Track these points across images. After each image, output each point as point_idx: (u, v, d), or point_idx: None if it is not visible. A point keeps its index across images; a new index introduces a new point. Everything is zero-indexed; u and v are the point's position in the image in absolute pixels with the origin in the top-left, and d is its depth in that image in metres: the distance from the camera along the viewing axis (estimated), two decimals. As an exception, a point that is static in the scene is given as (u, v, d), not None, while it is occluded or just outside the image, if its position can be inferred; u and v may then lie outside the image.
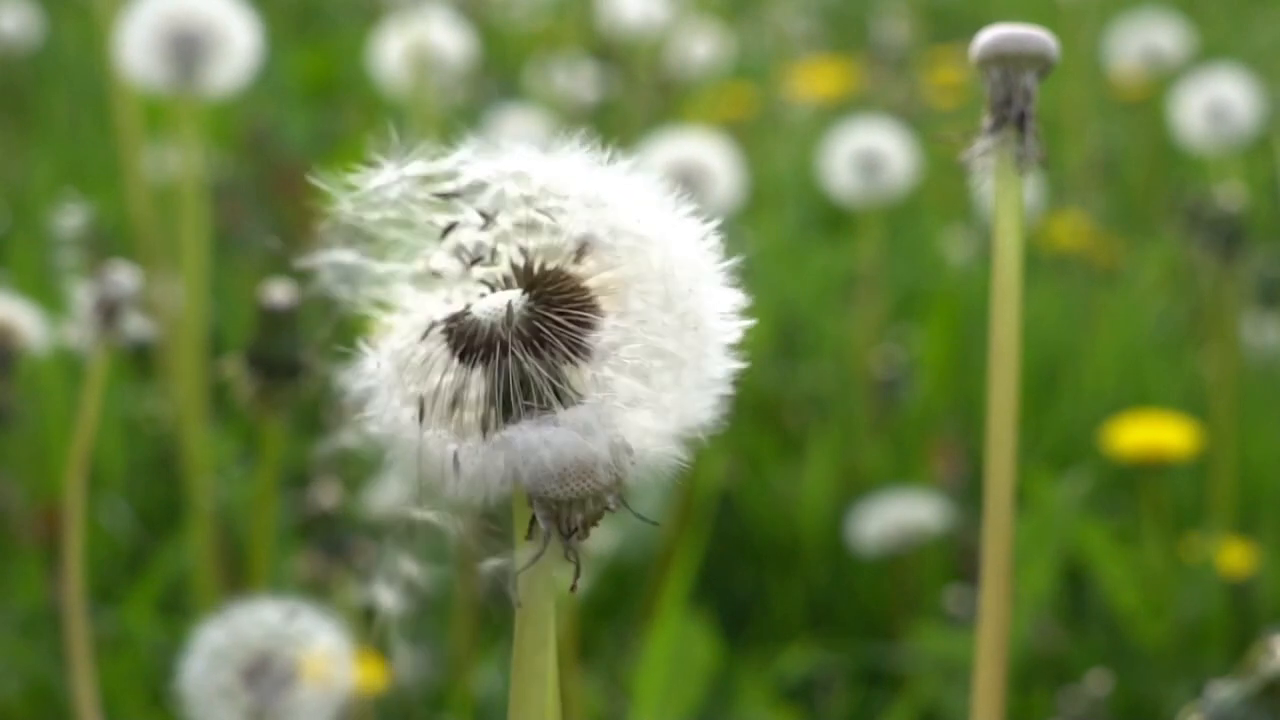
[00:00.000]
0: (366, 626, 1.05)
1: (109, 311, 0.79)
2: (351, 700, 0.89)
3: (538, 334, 0.41)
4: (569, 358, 0.41)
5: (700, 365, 0.41)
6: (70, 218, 1.53)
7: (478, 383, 0.41)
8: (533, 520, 0.41)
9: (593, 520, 0.41)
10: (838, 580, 1.41)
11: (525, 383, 0.40)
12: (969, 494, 1.42)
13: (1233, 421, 1.40)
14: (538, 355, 0.40)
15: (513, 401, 0.40)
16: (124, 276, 0.80)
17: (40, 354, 1.02)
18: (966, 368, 1.58)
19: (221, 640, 0.85)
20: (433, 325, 0.42)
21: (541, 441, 0.40)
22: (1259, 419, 1.47)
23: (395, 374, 0.42)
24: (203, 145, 1.88)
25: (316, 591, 0.99)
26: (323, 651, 0.85)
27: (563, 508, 0.40)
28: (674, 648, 1.11)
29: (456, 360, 0.41)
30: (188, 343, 1.27)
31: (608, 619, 1.33)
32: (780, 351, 1.65)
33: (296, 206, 1.88)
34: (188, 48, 1.23)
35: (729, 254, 0.42)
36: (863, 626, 1.37)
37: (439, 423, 0.41)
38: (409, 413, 0.41)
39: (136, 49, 1.24)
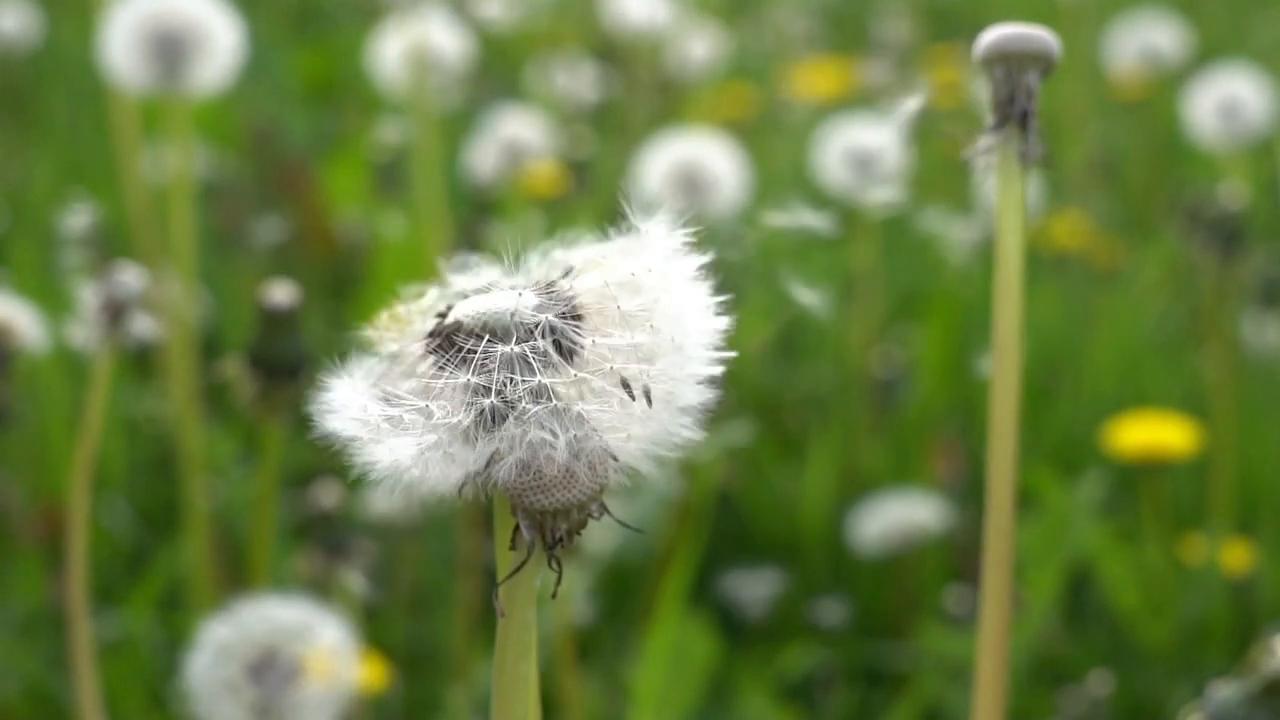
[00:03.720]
0: (367, 625, 1.05)
1: (115, 312, 0.79)
2: (353, 699, 0.89)
3: (522, 340, 0.40)
4: (553, 365, 0.40)
5: (683, 381, 0.41)
6: (77, 217, 1.53)
7: (458, 386, 0.40)
8: (516, 529, 0.40)
9: (576, 529, 0.40)
10: (838, 580, 1.41)
11: (507, 387, 0.40)
12: (969, 494, 1.42)
13: (1233, 421, 1.40)
14: (522, 360, 0.40)
15: (493, 406, 0.40)
16: (130, 277, 0.80)
17: (40, 354, 1.02)
18: (966, 368, 1.58)
19: (227, 636, 0.85)
20: (418, 328, 0.42)
21: (517, 444, 0.39)
22: (1259, 419, 1.47)
23: (376, 377, 0.42)
24: (200, 145, 1.89)
25: (316, 591, 0.99)
26: (327, 647, 0.85)
27: (546, 517, 0.40)
28: (673, 647, 1.11)
29: (437, 363, 0.41)
30: (184, 343, 1.27)
31: (608, 619, 1.33)
32: (780, 351, 1.65)
33: (298, 206, 1.88)
34: (171, 48, 1.23)
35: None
36: (863, 626, 1.37)
37: (416, 425, 0.41)
38: (384, 414, 0.41)
39: (119, 50, 1.24)
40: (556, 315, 0.41)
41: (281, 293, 0.90)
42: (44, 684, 1.17)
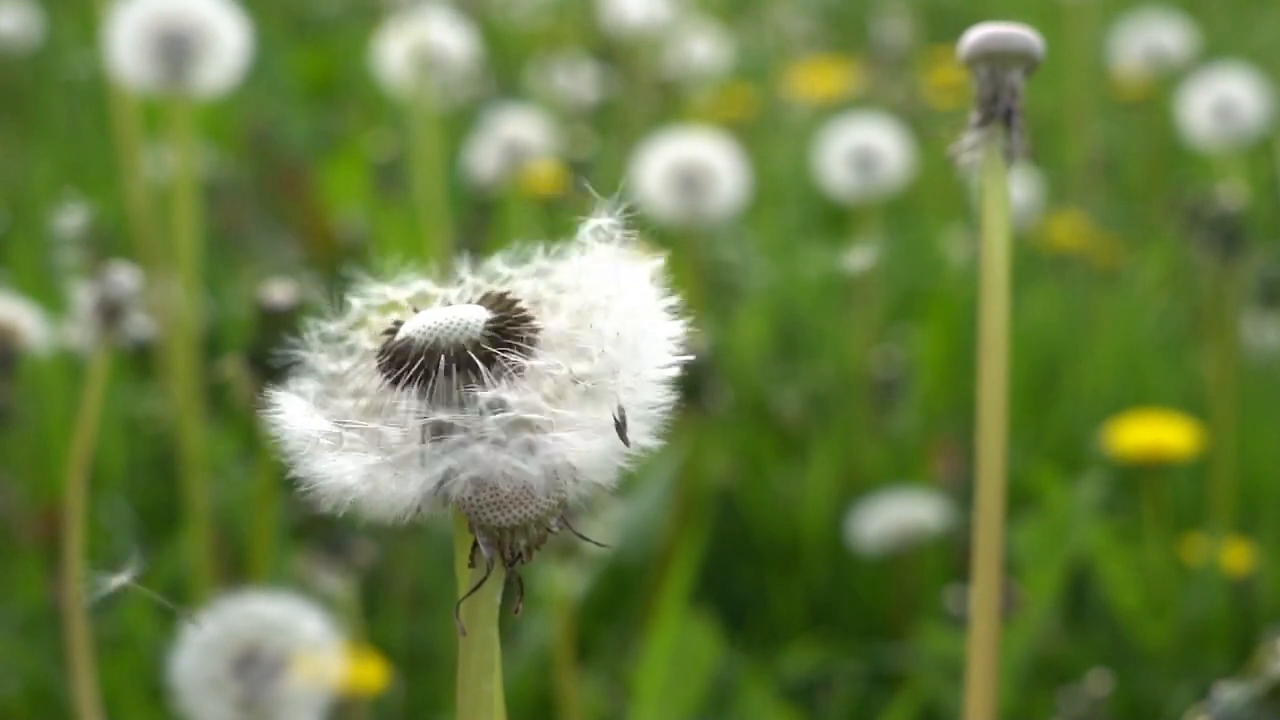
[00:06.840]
0: (367, 625, 1.05)
1: (110, 312, 0.79)
2: (349, 700, 0.89)
3: (474, 354, 0.40)
4: (505, 381, 0.40)
5: (639, 387, 0.40)
6: (70, 218, 1.53)
7: (408, 407, 0.40)
8: (474, 547, 0.40)
9: (536, 545, 0.39)
10: (838, 580, 1.41)
11: (457, 406, 0.39)
12: (969, 494, 1.41)
13: (1233, 421, 1.40)
14: (474, 375, 0.40)
15: (443, 424, 0.39)
16: (125, 277, 0.80)
17: (41, 354, 1.02)
18: (966, 368, 1.57)
19: (211, 632, 0.85)
20: (365, 344, 0.41)
21: (471, 461, 0.39)
22: (1259, 419, 1.47)
23: (322, 395, 0.41)
24: (201, 145, 1.89)
25: (316, 591, 0.99)
26: (311, 642, 0.85)
27: (505, 534, 0.39)
28: (674, 647, 1.11)
29: (386, 382, 0.40)
30: (185, 342, 1.27)
31: (608, 619, 1.33)
32: (780, 351, 1.65)
33: (298, 206, 1.88)
34: (177, 47, 1.23)
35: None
36: (863, 626, 1.37)
37: (360, 446, 0.40)
38: (328, 431, 0.40)
39: (126, 49, 1.24)
40: (509, 330, 0.40)
41: (281, 292, 0.90)
42: (44, 683, 1.17)
